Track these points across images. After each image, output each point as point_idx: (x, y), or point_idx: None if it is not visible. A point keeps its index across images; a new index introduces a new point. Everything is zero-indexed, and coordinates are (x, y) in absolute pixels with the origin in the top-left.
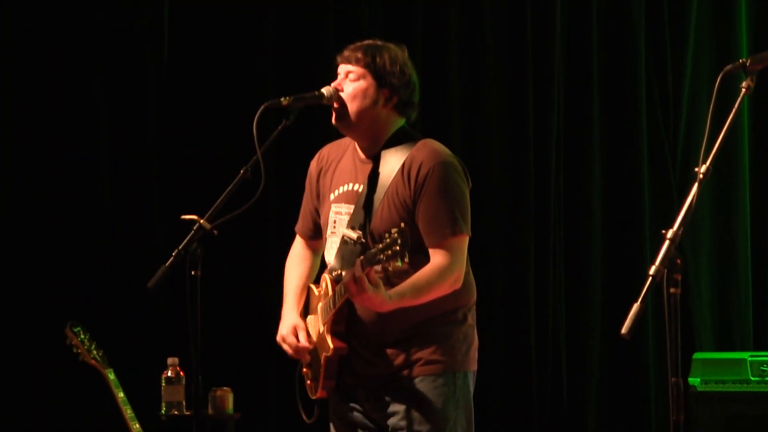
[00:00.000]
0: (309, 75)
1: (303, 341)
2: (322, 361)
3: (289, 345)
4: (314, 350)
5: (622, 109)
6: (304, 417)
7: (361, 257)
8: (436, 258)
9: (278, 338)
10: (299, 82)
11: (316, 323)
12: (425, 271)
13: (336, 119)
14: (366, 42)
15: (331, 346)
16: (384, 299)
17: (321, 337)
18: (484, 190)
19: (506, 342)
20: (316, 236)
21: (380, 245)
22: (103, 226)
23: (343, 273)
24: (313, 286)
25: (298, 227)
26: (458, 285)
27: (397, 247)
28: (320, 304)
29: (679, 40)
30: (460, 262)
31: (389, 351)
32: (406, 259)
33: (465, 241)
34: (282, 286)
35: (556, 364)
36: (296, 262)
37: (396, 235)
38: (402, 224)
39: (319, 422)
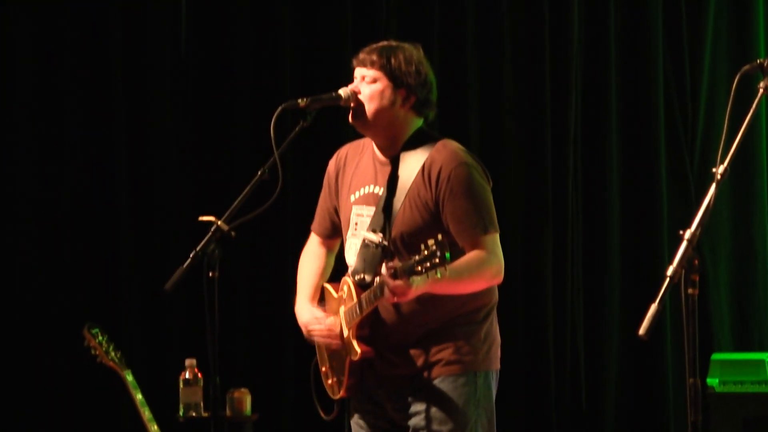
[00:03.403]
0: (327, 76)
1: (325, 324)
2: (346, 364)
3: (320, 333)
4: (337, 352)
5: (640, 110)
6: (321, 414)
7: (398, 266)
8: (474, 251)
9: (304, 331)
10: (317, 83)
11: (338, 326)
12: (465, 257)
13: (353, 117)
14: (380, 44)
15: (359, 350)
16: (425, 286)
17: (346, 341)
18: (502, 189)
19: (524, 343)
20: (332, 236)
21: (417, 257)
22: (121, 227)
23: (376, 280)
24: (329, 286)
25: (314, 226)
26: (499, 279)
27: (437, 260)
28: (343, 308)
29: (697, 40)
30: (498, 256)
31: (411, 351)
32: (447, 273)
33: (497, 238)
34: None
35: (574, 365)
36: (311, 258)
37: (435, 247)
38: (440, 235)
39: (337, 421)
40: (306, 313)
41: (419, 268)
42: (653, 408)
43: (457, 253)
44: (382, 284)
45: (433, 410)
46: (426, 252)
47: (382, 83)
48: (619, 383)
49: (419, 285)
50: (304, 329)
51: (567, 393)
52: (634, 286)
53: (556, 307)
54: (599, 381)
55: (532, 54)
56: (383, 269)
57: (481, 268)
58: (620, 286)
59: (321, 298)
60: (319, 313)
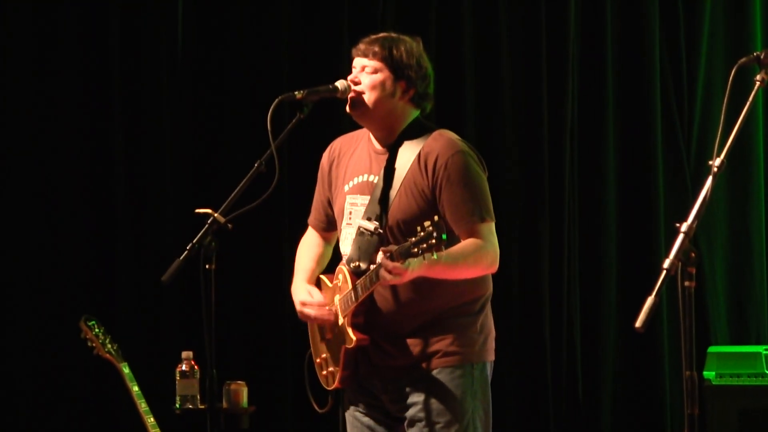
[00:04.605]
0: (324, 69)
1: (320, 299)
2: (341, 353)
3: (311, 305)
4: (331, 342)
5: (636, 102)
6: (315, 406)
7: (393, 249)
8: (470, 239)
9: (298, 307)
10: (314, 75)
11: (333, 310)
12: (461, 244)
13: (351, 107)
14: (382, 35)
15: (354, 338)
16: (419, 270)
17: (340, 329)
18: (499, 182)
19: (521, 335)
20: (328, 228)
21: (413, 238)
22: (118, 219)
23: (371, 267)
24: (323, 277)
25: (310, 219)
26: (494, 267)
27: (433, 240)
28: (338, 297)
29: (694, 33)
30: (494, 245)
31: (408, 341)
32: (443, 252)
33: (493, 227)
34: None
35: (571, 358)
36: (309, 246)
37: (431, 228)
38: (436, 217)
39: (332, 413)
40: (301, 291)
41: (415, 249)
42: (650, 400)
43: (452, 241)
44: (377, 268)
45: (431, 402)
46: (422, 233)
47: (383, 74)
48: (616, 375)
49: (415, 267)
50: (297, 306)
51: (564, 385)
52: (630, 278)
53: (553, 300)
54: (596, 373)
55: (529, 47)
56: (378, 255)
57: (476, 256)
58: (617, 279)
59: (316, 287)
60: (313, 289)
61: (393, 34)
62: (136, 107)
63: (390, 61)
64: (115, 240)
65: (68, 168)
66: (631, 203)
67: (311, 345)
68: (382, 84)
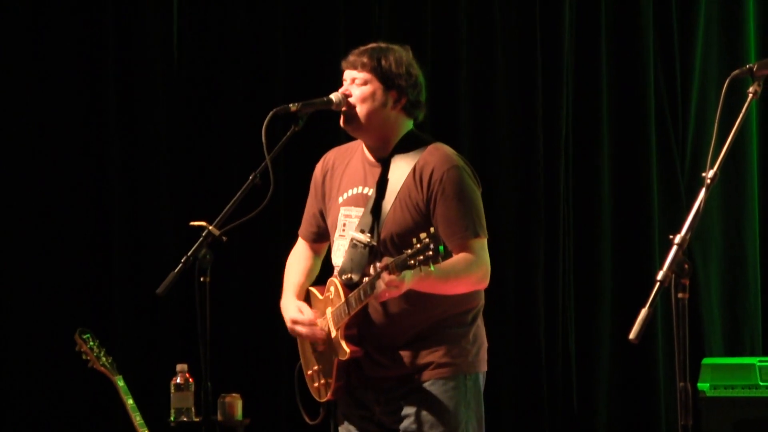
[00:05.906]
0: (319, 80)
1: (310, 316)
2: (334, 365)
3: (302, 323)
4: (323, 354)
5: (631, 114)
6: (306, 418)
7: (390, 262)
8: (462, 254)
9: (289, 325)
10: (309, 87)
11: (326, 327)
12: (452, 259)
13: (345, 122)
14: (370, 46)
15: (348, 350)
16: (412, 282)
17: (333, 341)
18: (493, 193)
19: (516, 347)
20: (319, 240)
21: (409, 250)
22: (113, 232)
23: (364, 279)
24: (313, 289)
25: (301, 230)
26: (485, 284)
27: (430, 252)
28: (330, 309)
29: (688, 44)
30: (486, 261)
31: (400, 353)
32: (440, 264)
33: (485, 243)
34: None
35: (565, 369)
36: (298, 259)
37: (428, 240)
38: (432, 229)
39: (323, 425)
40: (291, 307)
41: (412, 261)
42: (644, 412)
43: (444, 256)
44: (372, 281)
45: (424, 414)
46: (419, 245)
47: (373, 85)
48: (611, 387)
49: (409, 280)
50: (288, 323)
51: (559, 397)
52: (625, 289)
53: (548, 312)
54: (591, 385)
55: (524, 58)
56: (371, 268)
57: (467, 271)
58: (611, 291)
59: (306, 300)
60: (304, 306)
61: (382, 44)
62: (131, 119)
63: (379, 71)
64: (111, 252)
65: (63, 179)
66: (626, 214)
67: (301, 357)
68: (373, 95)
